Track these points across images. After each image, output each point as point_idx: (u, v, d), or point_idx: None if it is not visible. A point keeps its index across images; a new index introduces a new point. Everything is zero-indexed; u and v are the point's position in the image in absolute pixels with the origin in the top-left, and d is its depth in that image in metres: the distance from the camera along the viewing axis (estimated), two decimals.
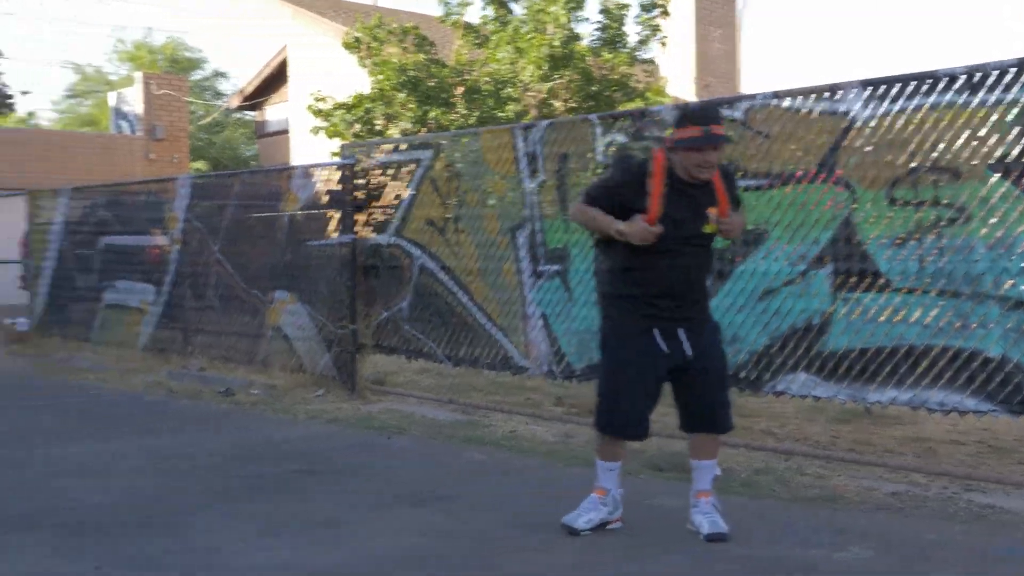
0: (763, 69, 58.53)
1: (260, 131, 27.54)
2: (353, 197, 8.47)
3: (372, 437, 6.90)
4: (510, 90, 14.31)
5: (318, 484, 5.56)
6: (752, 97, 6.15)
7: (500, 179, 7.49)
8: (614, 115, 6.84)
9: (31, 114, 35.56)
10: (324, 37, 20.46)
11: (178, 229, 10.33)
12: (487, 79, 14.49)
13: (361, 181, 8.51)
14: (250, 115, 30.11)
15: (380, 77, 14.14)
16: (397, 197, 8.28)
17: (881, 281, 5.53)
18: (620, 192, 4.33)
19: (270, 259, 9.30)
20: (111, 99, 24.11)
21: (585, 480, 5.34)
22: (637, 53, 15.23)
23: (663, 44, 15.51)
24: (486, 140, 7.62)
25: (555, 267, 7.13)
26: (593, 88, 14.59)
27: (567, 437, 6.73)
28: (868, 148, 5.59)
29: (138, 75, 22.98)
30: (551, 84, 14.15)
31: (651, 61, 15.83)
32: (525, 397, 8.24)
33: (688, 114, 4.30)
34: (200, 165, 31.48)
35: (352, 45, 15.05)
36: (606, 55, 14.81)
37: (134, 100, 22.34)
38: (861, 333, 5.60)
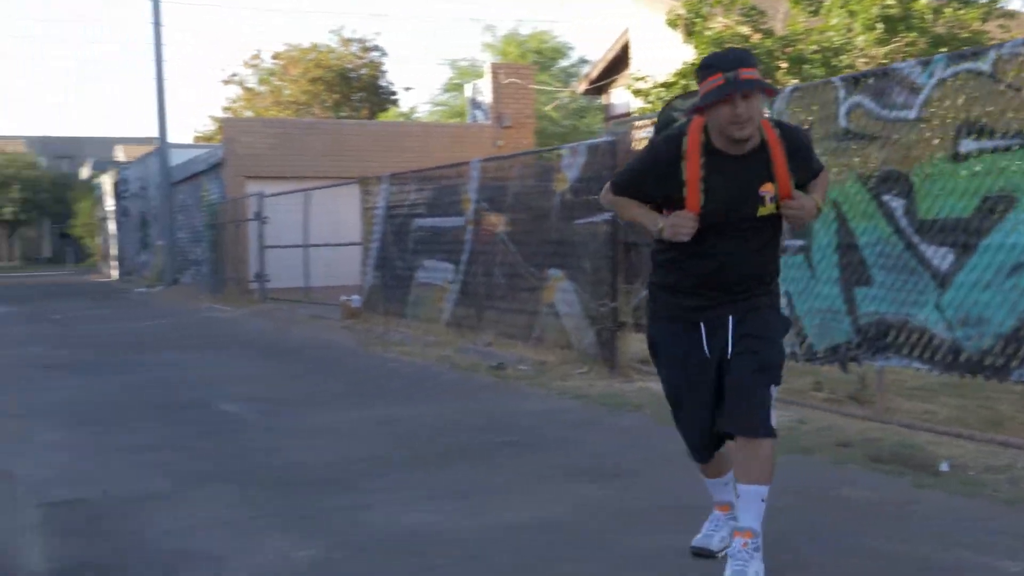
0: None
1: (608, 114, 27.98)
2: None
3: (601, 414, 6.86)
4: (843, 57, 13.49)
5: (509, 455, 5.65)
6: (1000, 46, 5.43)
7: None
8: (855, 76, 6.28)
9: (412, 109, 38.52)
10: (663, 17, 20.38)
11: (471, 211, 10.80)
12: (815, 47, 13.77)
13: (623, 158, 8.44)
14: (597, 100, 30.67)
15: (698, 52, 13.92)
16: None
17: None
18: (649, 182, 3.53)
19: (545, 237, 9.46)
20: (467, 90, 25.55)
21: (789, 469, 5.02)
22: (997, 6, 13.82)
23: None
24: None
25: (799, 242, 6.70)
26: (942, 49, 13.39)
27: (799, 423, 6.30)
28: None
29: (487, 66, 24.18)
30: (888, 48, 13.17)
31: (1011, 14, 14.30)
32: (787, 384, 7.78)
33: (707, 62, 3.39)
34: None
35: (674, 22, 14.94)
36: (951, 11, 13.55)
37: (485, 90, 23.53)
38: None
